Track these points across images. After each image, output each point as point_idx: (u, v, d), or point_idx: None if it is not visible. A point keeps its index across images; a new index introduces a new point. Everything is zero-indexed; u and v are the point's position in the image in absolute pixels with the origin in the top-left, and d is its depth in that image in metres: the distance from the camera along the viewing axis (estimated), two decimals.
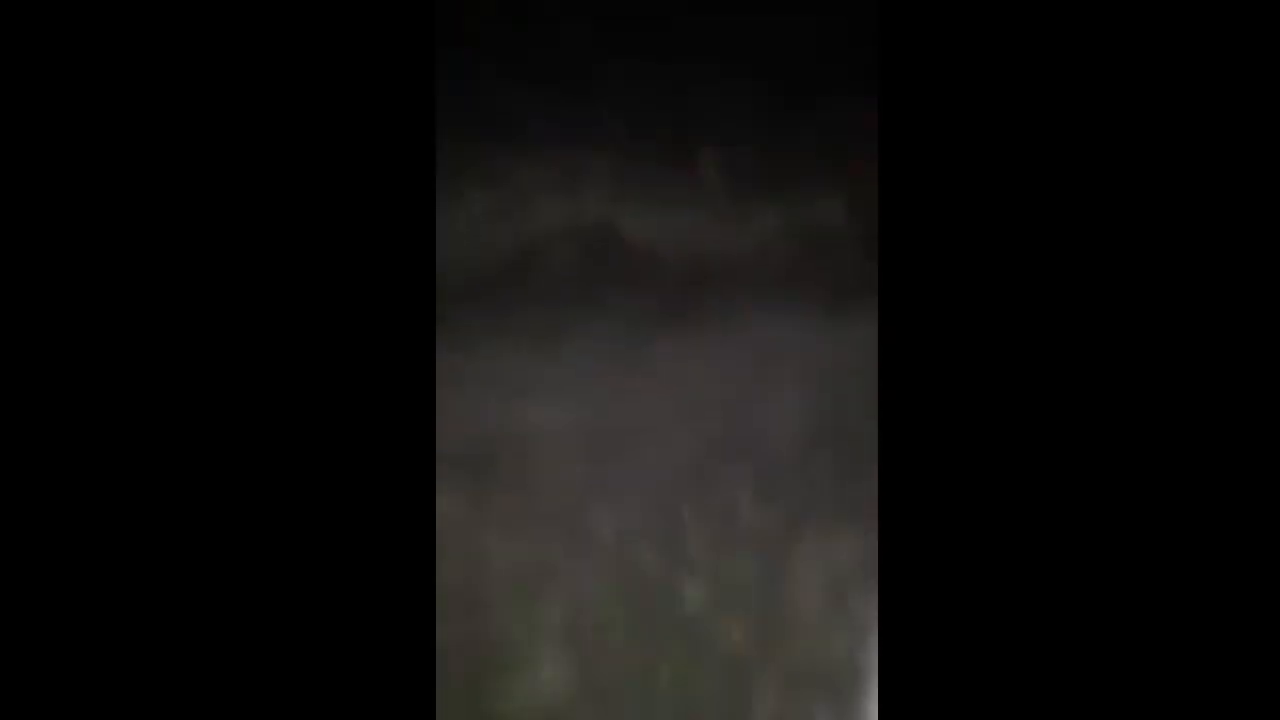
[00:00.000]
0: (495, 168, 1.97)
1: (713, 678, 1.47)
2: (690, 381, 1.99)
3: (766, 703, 1.43)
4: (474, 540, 1.70)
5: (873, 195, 2.42)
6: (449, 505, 1.73)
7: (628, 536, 1.71)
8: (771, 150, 2.22)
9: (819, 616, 1.56)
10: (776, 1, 2.16)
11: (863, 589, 1.59)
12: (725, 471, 1.82)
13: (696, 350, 2.05)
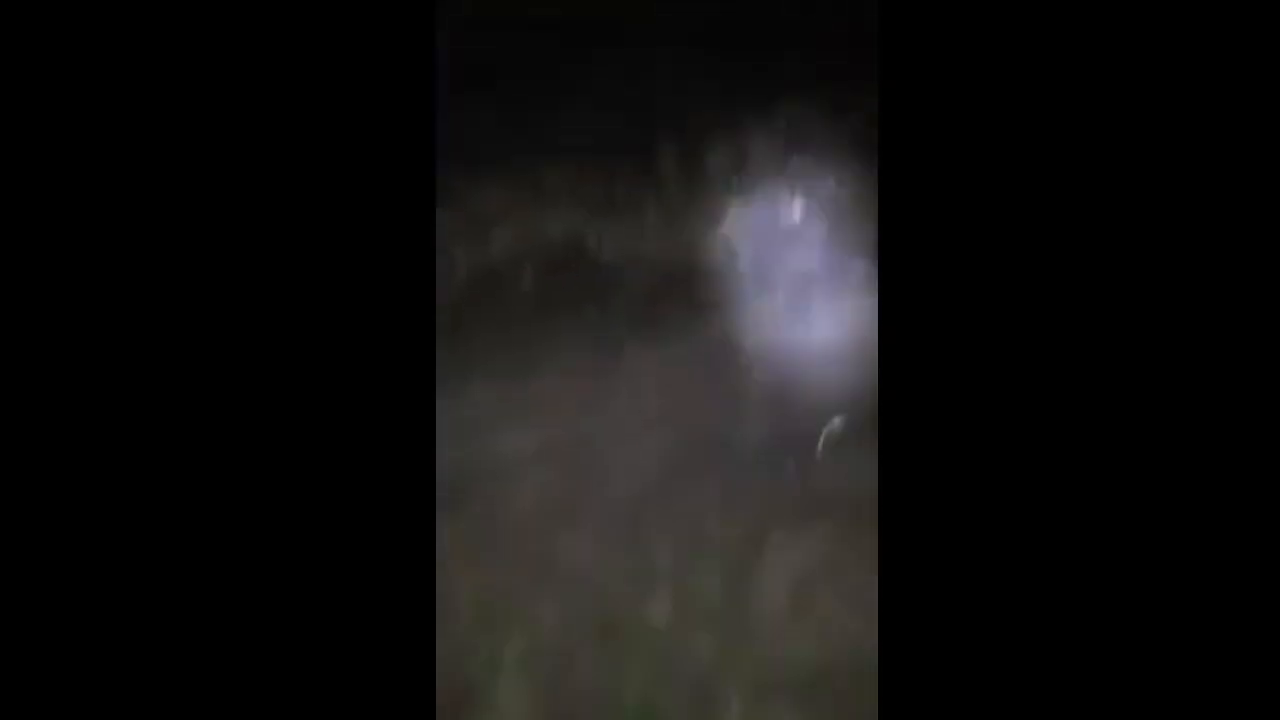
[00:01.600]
0: (450, 187, 1.90)
1: (679, 692, 1.36)
2: (656, 390, 1.92)
3: (733, 713, 1.35)
4: (442, 572, 1.63)
5: (833, 194, 2.37)
6: None
7: (592, 558, 1.63)
8: (735, 145, 2.18)
9: (783, 621, 1.46)
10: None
11: (825, 587, 1.48)
12: (691, 483, 1.72)
13: (661, 358, 1.99)
